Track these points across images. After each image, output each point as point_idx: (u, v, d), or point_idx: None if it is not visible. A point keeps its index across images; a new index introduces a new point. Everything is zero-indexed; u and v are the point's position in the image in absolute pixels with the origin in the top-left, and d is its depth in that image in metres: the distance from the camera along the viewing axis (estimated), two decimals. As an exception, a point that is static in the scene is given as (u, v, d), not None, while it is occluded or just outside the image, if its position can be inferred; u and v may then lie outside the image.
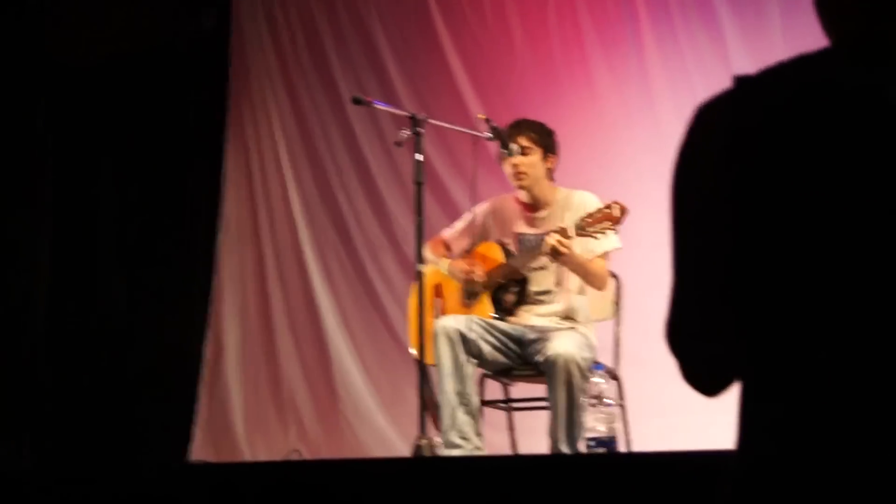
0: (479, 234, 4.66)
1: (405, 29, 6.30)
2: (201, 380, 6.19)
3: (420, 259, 3.90)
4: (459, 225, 4.74)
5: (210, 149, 6.44)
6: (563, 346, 4.13)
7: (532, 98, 5.96)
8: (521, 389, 4.72)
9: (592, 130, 5.91)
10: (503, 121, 4.63)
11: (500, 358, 4.40)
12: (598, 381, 3.88)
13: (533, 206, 4.57)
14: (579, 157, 5.72)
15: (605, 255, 4.41)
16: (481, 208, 4.69)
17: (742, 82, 1.27)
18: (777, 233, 1.21)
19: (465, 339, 4.24)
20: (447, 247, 4.75)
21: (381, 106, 4.24)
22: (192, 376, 6.18)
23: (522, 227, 4.57)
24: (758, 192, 1.21)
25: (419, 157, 3.96)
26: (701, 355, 1.31)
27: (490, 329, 4.38)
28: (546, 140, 4.55)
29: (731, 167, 1.22)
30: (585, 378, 4.04)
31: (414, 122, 4.02)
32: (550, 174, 4.58)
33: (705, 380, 1.32)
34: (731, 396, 4.02)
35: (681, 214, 1.28)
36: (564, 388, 4.08)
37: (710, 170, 1.24)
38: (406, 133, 4.02)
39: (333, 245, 6.26)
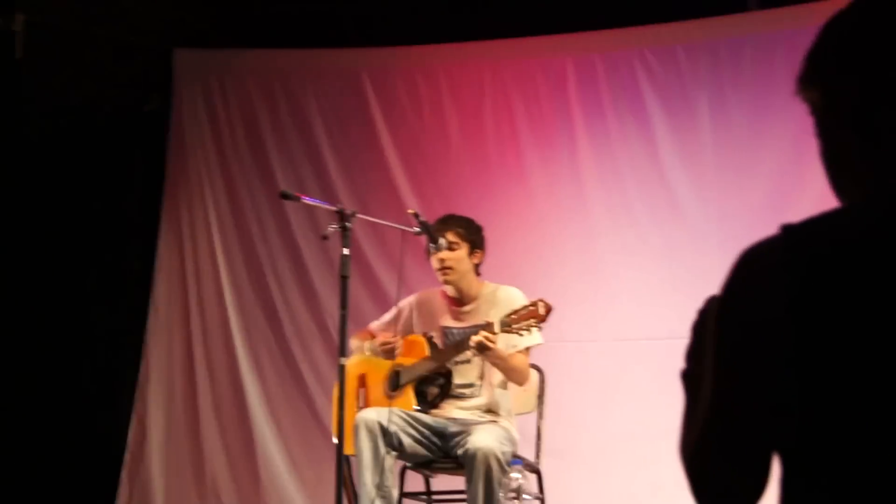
0: (405, 326, 4.70)
1: (344, 123, 6.37)
2: (123, 465, 6.13)
3: (342, 352, 3.94)
4: (386, 317, 4.79)
5: (143, 231, 6.43)
6: (483, 439, 4.17)
7: (466, 193, 6.05)
8: (442, 481, 4.74)
9: (524, 226, 6.01)
10: (439, 215, 4.70)
11: (421, 450, 4.42)
12: (516, 477, 3.92)
13: (459, 301, 4.63)
14: (510, 251, 5.81)
15: (526, 351, 4.47)
16: (407, 301, 4.75)
17: (790, 231, 1.30)
18: (825, 379, 1.25)
19: (385, 432, 4.27)
20: (374, 338, 4.78)
21: (309, 201, 4.29)
22: (115, 461, 6.12)
23: (448, 321, 4.62)
24: (808, 339, 1.25)
25: (346, 251, 4.00)
26: (722, 486, 1.33)
27: (411, 421, 4.41)
28: (473, 235, 4.62)
29: (781, 314, 1.26)
30: (504, 472, 4.07)
31: (341, 216, 4.05)
32: (477, 269, 4.65)
33: None
34: (653, 495, 4.08)
35: (723, 349, 1.31)
36: (483, 481, 4.10)
37: (759, 314, 1.28)
38: (333, 227, 4.07)
39: (263, 332, 6.26)
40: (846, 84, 1.34)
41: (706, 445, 1.32)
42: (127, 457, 6.15)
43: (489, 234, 4.74)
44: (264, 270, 6.30)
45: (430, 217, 4.60)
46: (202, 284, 6.34)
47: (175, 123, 6.50)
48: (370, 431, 4.27)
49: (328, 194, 6.07)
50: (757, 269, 1.31)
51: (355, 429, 4.29)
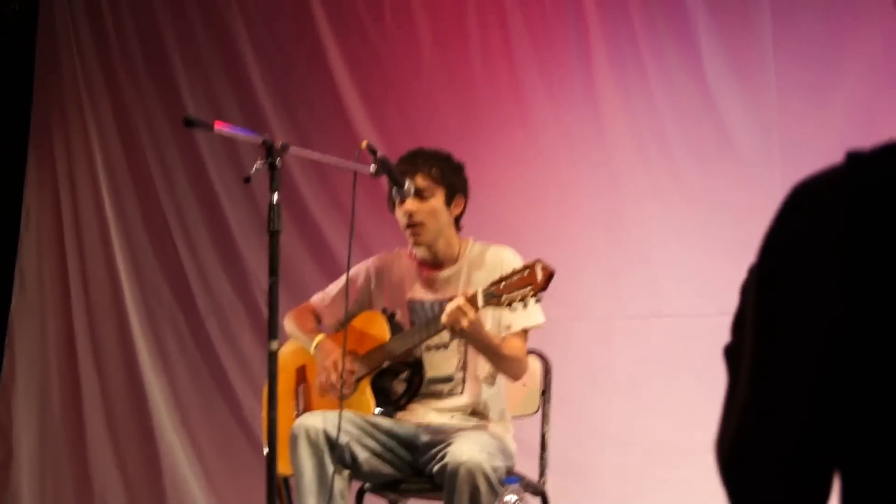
0: (360, 300, 4.64)
1: (277, 27, 6.35)
2: (-18, 493, 6.11)
3: (273, 333, 3.86)
4: (333, 289, 4.72)
5: (4, 176, 6.41)
6: (467, 451, 4.09)
7: (443, 124, 6.05)
8: (413, 508, 4.72)
9: (522, 167, 5.99)
10: (402, 152, 4.63)
11: (384, 468, 4.38)
12: (512, 500, 3.90)
13: (432, 264, 4.58)
14: (504, 201, 5.82)
15: (524, 334, 4.41)
16: (364, 267, 4.69)
17: (856, 159, 1.32)
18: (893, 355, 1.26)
19: (333, 445, 4.21)
20: (317, 318, 4.73)
21: (225, 131, 4.17)
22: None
23: (418, 292, 4.57)
24: (882, 293, 1.26)
25: (274, 198, 3.91)
26: (771, 493, 1.34)
27: (370, 429, 4.36)
28: (452, 177, 4.55)
29: (847, 259, 1.27)
30: (495, 493, 4.02)
31: (269, 150, 3.87)
32: (457, 223, 4.59)
33: None
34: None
35: (762, 312, 1.33)
36: (467, 506, 4.07)
37: (819, 261, 1.29)
38: (259, 166, 3.98)
39: (169, 311, 6.26)
40: None
41: (744, 442, 1.33)
42: (-14, 483, 6.15)
43: (476, 179, 4.69)
44: (169, 226, 6.30)
45: (395, 157, 4.53)
46: (85, 247, 6.33)
47: (44, 28, 6.47)
48: (313, 444, 4.21)
49: (255, 123, 6.03)
50: (809, 207, 1.32)
51: (293, 441, 4.23)
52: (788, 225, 1.33)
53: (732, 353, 1.38)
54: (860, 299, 1.26)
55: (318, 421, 4.27)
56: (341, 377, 4.44)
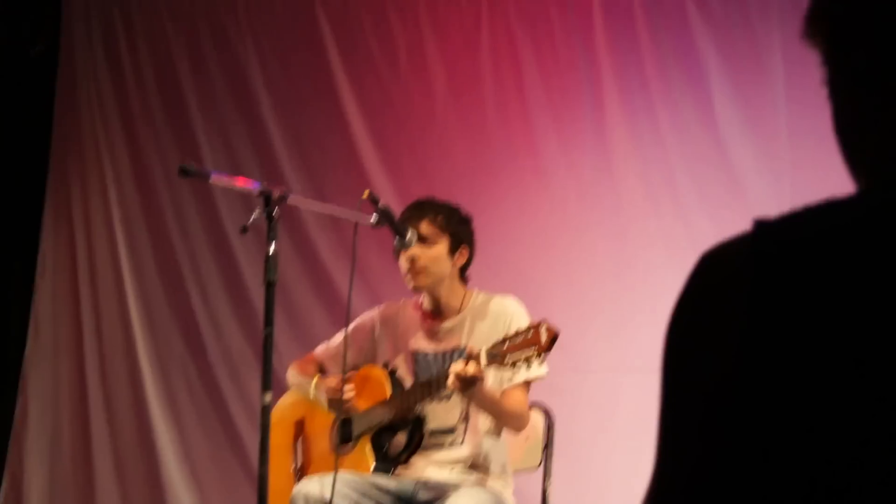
0: (364, 348, 4.59)
1: (292, 75, 6.32)
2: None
3: (266, 385, 3.76)
4: (338, 338, 4.65)
5: (23, 221, 6.39)
6: (464, 506, 4.03)
7: (455, 170, 5.98)
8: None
9: (532, 215, 5.90)
10: (414, 197, 4.59)
11: (382, 529, 4.29)
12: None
13: (436, 314, 4.51)
14: (513, 249, 5.74)
15: (525, 386, 4.32)
16: (369, 316, 4.64)
17: (762, 228, 1.29)
18: (809, 414, 1.22)
19: None
20: (320, 369, 4.67)
21: (220, 179, 4.10)
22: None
23: (421, 343, 4.50)
24: (785, 364, 1.23)
25: (272, 248, 3.82)
26: None
27: (368, 489, 4.28)
28: (457, 227, 4.49)
29: (750, 323, 1.25)
30: (492, 553, 3.95)
31: (267, 199, 3.83)
32: (462, 273, 4.52)
33: None
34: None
35: (677, 386, 1.31)
36: (464, 566, 3.98)
37: (723, 332, 1.27)
38: (257, 215, 3.88)
39: (181, 360, 6.21)
40: (854, 40, 1.33)
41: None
42: (-6, 531, 6.13)
43: (485, 226, 4.66)
44: (183, 275, 6.27)
45: (407, 202, 4.53)
46: (99, 295, 6.30)
47: (63, 74, 6.46)
48: None
49: (269, 167, 6.05)
50: (715, 272, 1.30)
51: (293, 507, 4.17)
52: (695, 290, 1.30)
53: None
54: (760, 365, 1.23)
55: (316, 487, 4.19)
56: (342, 392, 4.38)
